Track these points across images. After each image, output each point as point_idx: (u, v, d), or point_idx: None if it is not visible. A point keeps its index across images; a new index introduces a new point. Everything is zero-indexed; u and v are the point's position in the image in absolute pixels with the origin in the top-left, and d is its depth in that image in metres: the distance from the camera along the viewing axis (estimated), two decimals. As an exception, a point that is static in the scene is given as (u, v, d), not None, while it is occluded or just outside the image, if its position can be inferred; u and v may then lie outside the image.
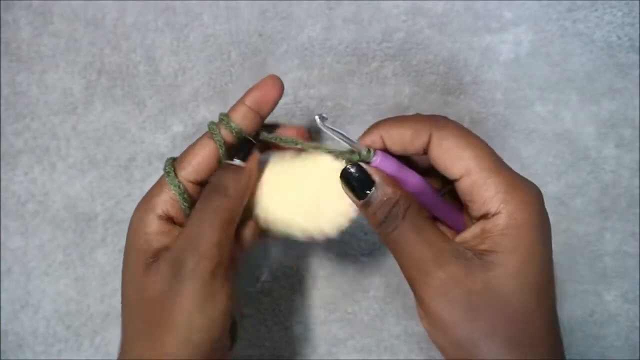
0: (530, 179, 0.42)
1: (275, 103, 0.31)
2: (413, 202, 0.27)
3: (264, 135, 0.31)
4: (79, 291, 0.43)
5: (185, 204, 0.29)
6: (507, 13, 0.43)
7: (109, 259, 0.43)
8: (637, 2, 0.43)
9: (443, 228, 0.31)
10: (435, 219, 0.30)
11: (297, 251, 0.43)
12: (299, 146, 0.30)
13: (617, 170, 0.43)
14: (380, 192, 0.27)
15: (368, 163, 0.28)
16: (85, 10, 0.43)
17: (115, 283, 0.42)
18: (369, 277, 0.43)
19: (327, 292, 0.43)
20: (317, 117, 0.27)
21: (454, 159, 0.27)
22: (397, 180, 0.28)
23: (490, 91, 0.43)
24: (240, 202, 0.29)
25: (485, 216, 0.26)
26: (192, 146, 0.31)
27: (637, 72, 0.43)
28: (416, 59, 0.43)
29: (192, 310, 0.26)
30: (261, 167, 0.31)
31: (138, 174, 0.43)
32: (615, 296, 0.43)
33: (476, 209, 0.27)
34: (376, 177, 0.27)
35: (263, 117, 0.31)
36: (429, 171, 0.30)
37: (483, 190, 0.26)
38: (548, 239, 0.27)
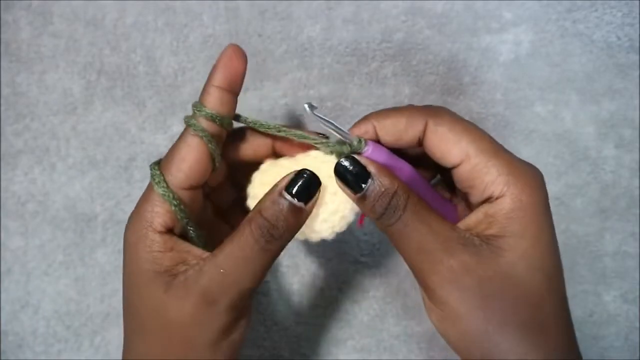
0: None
1: (244, 74, 0.28)
2: (411, 191, 0.26)
3: (243, 119, 0.29)
4: (79, 291, 0.43)
5: (182, 215, 0.27)
6: (506, 13, 0.43)
7: (108, 259, 0.43)
8: (637, 2, 0.43)
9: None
10: None
11: (297, 251, 0.43)
12: (281, 133, 0.28)
13: (617, 170, 0.43)
14: (377, 183, 0.26)
15: (359, 154, 0.27)
16: (85, 11, 0.43)
17: (115, 283, 0.42)
18: (369, 277, 0.43)
19: (326, 292, 0.43)
20: (306, 105, 0.26)
21: (452, 144, 0.26)
22: (391, 170, 0.27)
23: (490, 91, 0.43)
24: (287, 244, 0.27)
25: (488, 200, 0.26)
26: (176, 148, 0.27)
27: (637, 72, 0.43)
28: (416, 59, 0.43)
29: (218, 339, 0.26)
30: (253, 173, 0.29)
31: (138, 175, 0.43)
32: (614, 296, 0.43)
33: (477, 194, 0.26)
34: (372, 168, 0.26)
35: (236, 94, 0.28)
36: (418, 163, 0.29)
37: (484, 173, 0.25)
38: (552, 223, 0.26)
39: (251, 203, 0.29)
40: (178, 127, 0.43)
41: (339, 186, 0.27)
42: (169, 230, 0.27)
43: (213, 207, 0.32)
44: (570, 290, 0.43)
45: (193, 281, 0.26)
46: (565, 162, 0.43)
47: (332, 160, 0.27)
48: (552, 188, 0.42)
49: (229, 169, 0.31)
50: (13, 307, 0.42)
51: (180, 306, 0.26)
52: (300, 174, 0.26)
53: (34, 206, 0.42)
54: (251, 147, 0.30)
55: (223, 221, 0.33)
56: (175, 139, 0.42)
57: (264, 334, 0.42)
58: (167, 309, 0.26)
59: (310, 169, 0.27)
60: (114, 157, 0.43)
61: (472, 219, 0.26)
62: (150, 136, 0.43)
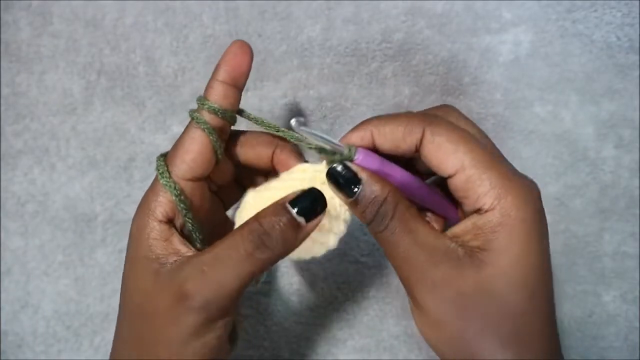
0: (529, 179, 0.43)
1: (249, 70, 0.29)
2: (401, 199, 0.27)
3: (246, 114, 0.29)
4: (79, 291, 0.43)
5: (182, 205, 0.28)
6: (506, 13, 0.43)
7: (108, 259, 0.43)
8: (637, 2, 0.43)
9: (434, 217, 0.30)
10: (425, 209, 0.30)
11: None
12: (279, 133, 0.28)
13: (616, 171, 0.43)
14: (368, 190, 0.26)
15: (351, 162, 0.27)
16: (85, 11, 0.43)
17: (115, 283, 0.42)
18: (369, 277, 0.43)
19: (326, 292, 0.43)
20: (293, 120, 0.26)
21: (448, 154, 0.26)
22: (382, 177, 0.27)
23: (490, 92, 0.43)
24: (279, 258, 0.27)
25: (478, 211, 0.26)
26: (181, 140, 0.29)
27: (637, 72, 0.43)
28: (416, 60, 0.43)
29: (188, 337, 0.26)
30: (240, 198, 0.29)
31: (138, 175, 0.43)
32: (614, 297, 0.43)
33: (470, 205, 0.26)
34: (362, 175, 0.26)
35: (240, 89, 0.29)
36: (412, 167, 0.29)
37: (477, 185, 0.25)
38: (543, 238, 0.26)
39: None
40: (178, 128, 0.43)
41: (332, 190, 0.27)
42: (170, 221, 0.28)
43: (225, 207, 0.33)
44: (569, 291, 0.43)
45: (173, 274, 0.26)
46: (564, 162, 0.43)
47: (322, 171, 0.27)
48: (551, 189, 0.43)
49: (235, 169, 0.31)
50: (13, 307, 0.42)
51: (160, 296, 0.26)
52: (308, 191, 0.27)
53: (33, 206, 0.42)
54: (254, 151, 0.30)
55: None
56: (175, 139, 0.42)
57: (263, 334, 0.42)
58: (151, 297, 0.27)
59: (300, 183, 0.27)
60: (113, 157, 0.43)
61: (460, 228, 0.27)
62: (150, 136, 0.43)
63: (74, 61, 0.42)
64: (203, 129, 0.27)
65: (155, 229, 0.27)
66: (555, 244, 0.43)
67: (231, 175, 0.32)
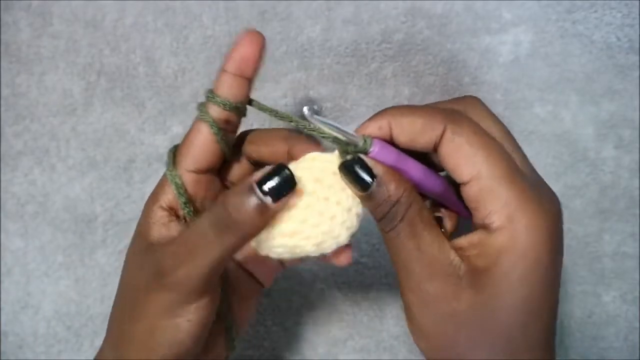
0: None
1: (259, 60, 0.28)
2: (415, 200, 0.25)
3: (257, 104, 0.29)
4: (79, 292, 0.43)
5: (182, 199, 0.28)
6: (506, 14, 0.43)
7: (109, 260, 0.43)
8: (637, 2, 0.43)
9: (448, 212, 0.29)
10: (441, 205, 0.29)
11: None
12: (292, 123, 0.27)
13: (616, 171, 0.43)
14: (383, 188, 0.24)
15: (365, 154, 0.25)
16: (85, 11, 0.43)
17: (116, 284, 0.42)
18: (369, 278, 0.43)
19: (326, 292, 0.43)
20: (305, 108, 0.24)
21: (465, 159, 0.24)
22: (398, 172, 0.25)
23: (490, 92, 0.43)
24: (246, 240, 0.26)
25: (487, 227, 0.24)
26: (188, 133, 0.29)
27: (637, 73, 0.43)
28: (415, 60, 0.43)
29: (162, 315, 0.26)
30: None
31: (137, 176, 0.43)
32: (614, 297, 0.43)
33: (479, 218, 0.24)
34: (378, 170, 0.25)
35: (251, 80, 0.29)
36: (428, 161, 0.28)
37: (490, 200, 0.24)
38: (553, 263, 0.25)
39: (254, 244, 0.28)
40: (178, 128, 0.43)
41: (346, 183, 0.26)
42: (172, 209, 0.29)
43: None
44: (569, 291, 0.43)
45: (156, 252, 0.27)
46: (564, 162, 0.43)
47: (332, 161, 0.26)
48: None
49: (251, 166, 0.31)
50: (13, 308, 0.42)
51: (142, 273, 0.27)
52: (278, 170, 0.25)
53: (33, 207, 0.42)
54: (268, 148, 0.30)
55: None
56: (175, 140, 0.42)
57: (264, 334, 0.42)
58: (135, 273, 0.28)
59: (309, 173, 0.26)
60: (113, 158, 0.43)
61: (467, 240, 0.25)
62: (149, 137, 0.43)
63: (73, 62, 0.42)
64: (206, 122, 0.28)
65: (157, 214, 0.28)
66: (555, 244, 0.43)
67: (246, 172, 0.31)
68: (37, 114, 0.42)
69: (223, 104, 0.28)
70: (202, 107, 0.28)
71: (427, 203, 0.29)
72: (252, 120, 0.39)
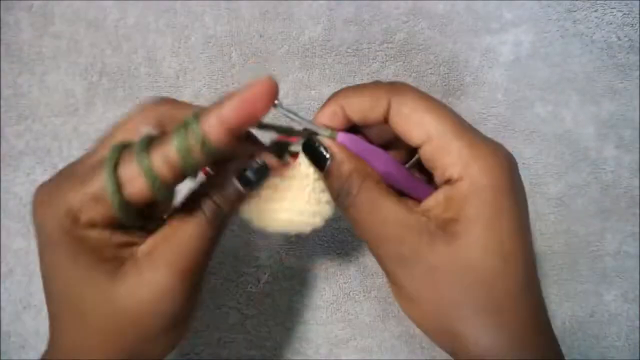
0: (530, 179, 0.43)
1: (258, 118, 0.24)
2: (370, 175, 0.27)
3: (264, 125, 0.28)
4: (81, 292, 0.43)
5: (157, 188, 0.24)
6: (507, 14, 0.43)
7: (110, 260, 0.43)
8: (637, 2, 0.43)
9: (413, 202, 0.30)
10: (407, 195, 0.30)
11: (298, 252, 0.43)
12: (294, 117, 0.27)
13: (617, 170, 0.43)
14: (335, 164, 0.26)
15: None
16: (86, 12, 0.43)
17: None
18: (370, 277, 0.43)
19: (328, 292, 0.43)
20: (277, 102, 0.25)
21: (414, 125, 0.26)
22: (365, 159, 0.27)
23: (491, 92, 0.43)
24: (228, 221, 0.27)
25: (448, 182, 0.26)
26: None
27: (637, 72, 0.43)
28: (417, 60, 0.43)
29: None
30: None
31: (139, 175, 0.43)
32: (615, 296, 0.43)
33: (439, 176, 0.26)
34: (334, 150, 0.27)
35: (242, 130, 0.25)
36: (395, 144, 0.29)
37: (444, 155, 0.25)
38: (517, 201, 0.25)
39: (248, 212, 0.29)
40: (179, 128, 0.43)
41: (310, 161, 0.28)
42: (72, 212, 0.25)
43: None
44: (571, 290, 0.43)
45: (145, 267, 0.25)
46: (565, 162, 0.43)
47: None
48: (552, 188, 0.43)
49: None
50: (15, 307, 0.42)
51: (133, 294, 0.25)
52: (255, 165, 0.27)
53: (35, 207, 0.42)
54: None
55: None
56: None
57: (265, 334, 0.42)
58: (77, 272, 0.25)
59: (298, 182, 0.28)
60: (115, 158, 0.43)
61: (431, 201, 0.26)
62: (151, 137, 0.43)
63: (75, 62, 0.43)
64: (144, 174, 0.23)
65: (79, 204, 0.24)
66: (556, 243, 0.43)
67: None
68: (39, 114, 0.42)
69: (200, 144, 0.23)
70: (141, 152, 0.23)
71: None
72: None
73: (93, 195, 0.23)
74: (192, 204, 0.26)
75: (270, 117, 0.25)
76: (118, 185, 0.23)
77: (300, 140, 0.28)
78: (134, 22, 0.42)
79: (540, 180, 0.43)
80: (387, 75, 0.43)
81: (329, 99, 0.28)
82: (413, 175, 0.29)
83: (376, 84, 0.27)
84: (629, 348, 0.43)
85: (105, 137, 0.26)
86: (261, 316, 0.43)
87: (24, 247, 0.42)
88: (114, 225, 0.25)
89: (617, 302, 0.43)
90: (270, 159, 0.27)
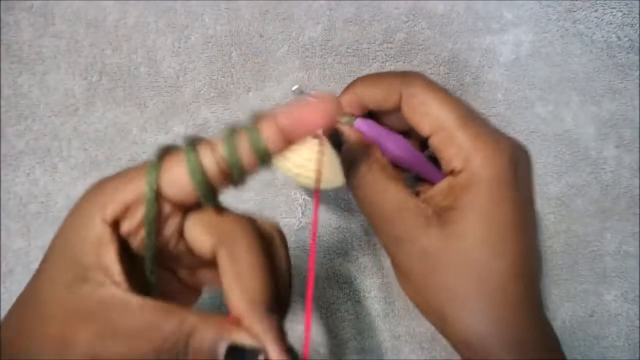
0: (530, 179, 0.43)
1: (311, 132, 0.22)
2: (377, 161, 0.28)
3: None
4: (81, 292, 0.43)
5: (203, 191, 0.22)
6: (507, 14, 0.43)
7: (110, 260, 0.43)
8: (637, 2, 0.43)
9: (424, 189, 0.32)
10: (424, 180, 0.31)
11: (299, 251, 0.43)
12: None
13: (617, 170, 0.43)
14: (347, 147, 0.28)
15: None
16: (87, 12, 0.43)
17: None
18: (371, 277, 0.43)
19: (328, 292, 0.43)
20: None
21: (422, 116, 0.27)
22: (375, 143, 0.29)
23: (491, 92, 0.43)
24: None
25: (452, 173, 0.27)
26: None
27: (637, 72, 0.43)
28: (417, 60, 0.43)
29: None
30: None
31: (139, 175, 0.43)
32: (615, 296, 0.43)
33: (445, 166, 0.27)
34: (347, 135, 0.29)
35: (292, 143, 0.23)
36: (414, 132, 0.30)
37: (449, 147, 0.26)
38: (518, 196, 0.26)
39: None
40: (179, 128, 0.43)
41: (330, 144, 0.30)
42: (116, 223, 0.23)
43: None
44: (571, 290, 0.43)
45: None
46: (565, 162, 0.43)
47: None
48: (552, 188, 0.43)
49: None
50: (15, 308, 0.42)
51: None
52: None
53: (35, 207, 0.42)
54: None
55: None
56: (176, 139, 0.41)
57: (265, 334, 0.43)
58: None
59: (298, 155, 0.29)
60: (115, 158, 0.43)
61: (436, 189, 0.28)
62: (151, 137, 0.43)
63: (75, 62, 0.43)
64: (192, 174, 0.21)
65: (98, 229, 0.22)
66: (556, 243, 0.43)
67: None
68: (39, 114, 0.42)
69: (257, 151, 0.21)
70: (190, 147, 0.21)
71: None
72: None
73: (134, 200, 0.21)
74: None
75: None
76: (158, 190, 0.21)
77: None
78: (134, 22, 0.43)
79: (540, 180, 0.43)
80: (387, 75, 0.43)
81: (347, 88, 0.30)
82: (429, 161, 0.30)
83: (390, 74, 0.29)
84: (629, 348, 0.43)
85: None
86: (261, 316, 0.43)
87: (24, 246, 0.42)
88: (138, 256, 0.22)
89: (617, 302, 0.43)
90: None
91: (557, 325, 0.40)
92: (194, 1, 0.42)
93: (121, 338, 0.19)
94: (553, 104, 0.43)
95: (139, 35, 0.43)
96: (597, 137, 0.43)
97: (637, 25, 0.43)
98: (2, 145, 0.42)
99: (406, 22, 0.43)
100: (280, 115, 0.21)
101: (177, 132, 0.43)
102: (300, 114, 0.21)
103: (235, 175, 0.22)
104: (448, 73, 0.43)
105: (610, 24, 0.43)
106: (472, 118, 0.27)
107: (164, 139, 0.43)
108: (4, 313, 0.43)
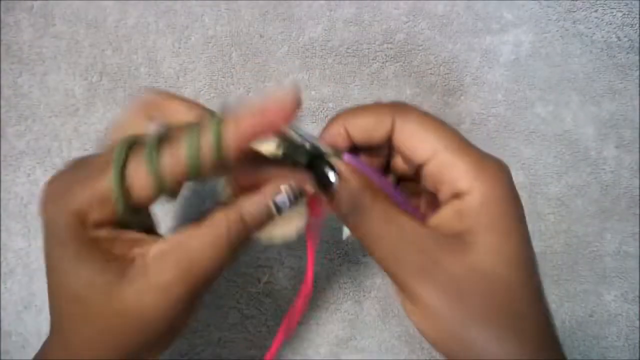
0: (530, 179, 0.43)
1: (277, 131, 0.24)
2: (380, 191, 0.27)
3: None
4: (81, 292, 0.43)
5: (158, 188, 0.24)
6: (507, 14, 0.43)
7: (111, 260, 0.43)
8: (637, 2, 0.43)
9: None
10: None
11: (300, 252, 0.43)
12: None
13: (617, 170, 0.43)
14: (344, 182, 0.27)
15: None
16: (87, 12, 0.43)
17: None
18: (371, 277, 0.43)
19: (328, 292, 0.43)
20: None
21: (419, 141, 0.26)
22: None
23: (491, 92, 0.43)
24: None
25: (457, 196, 0.26)
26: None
27: (637, 72, 0.43)
28: (417, 60, 0.43)
29: (170, 329, 0.26)
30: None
31: (140, 176, 0.43)
32: (615, 296, 0.43)
33: (446, 190, 0.26)
34: (341, 167, 0.27)
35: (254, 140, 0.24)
36: (385, 170, 0.30)
37: (452, 169, 0.26)
38: (521, 215, 0.26)
39: None
40: (180, 128, 0.43)
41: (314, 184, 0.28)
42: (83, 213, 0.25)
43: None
44: (571, 290, 0.43)
45: (155, 271, 0.25)
46: (565, 162, 0.43)
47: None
48: (552, 189, 0.43)
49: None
50: (16, 307, 0.42)
51: (140, 296, 0.25)
52: (292, 190, 0.26)
53: (36, 207, 0.43)
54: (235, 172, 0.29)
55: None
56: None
57: (265, 334, 0.43)
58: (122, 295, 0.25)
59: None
60: (115, 158, 0.43)
61: (442, 216, 0.27)
62: (152, 137, 0.43)
63: (75, 62, 0.43)
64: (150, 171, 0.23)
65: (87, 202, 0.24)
66: (556, 243, 0.43)
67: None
68: (39, 115, 0.43)
69: (216, 147, 0.23)
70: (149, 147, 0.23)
71: None
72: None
73: (100, 197, 0.23)
74: (214, 215, 0.26)
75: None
76: (124, 189, 0.23)
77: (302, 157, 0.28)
78: (134, 23, 0.43)
79: (540, 180, 0.43)
80: (387, 75, 0.43)
81: (332, 120, 0.28)
82: (407, 199, 0.30)
83: (378, 104, 0.28)
84: (629, 348, 0.43)
85: (114, 133, 0.26)
86: (261, 316, 0.43)
87: (24, 247, 0.42)
88: (123, 224, 0.25)
89: (617, 302, 0.43)
90: (308, 188, 0.27)
91: (557, 325, 0.40)
92: (194, 2, 0.43)
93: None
94: (553, 104, 0.43)
95: (139, 36, 0.43)
96: (597, 138, 0.43)
97: (637, 25, 0.43)
98: (3, 145, 0.42)
99: (406, 22, 0.43)
100: (241, 116, 0.23)
101: (177, 133, 0.43)
102: (259, 115, 0.23)
103: (192, 176, 0.23)
104: (448, 73, 0.43)
105: (610, 24, 0.43)
106: (468, 142, 0.27)
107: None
108: (4, 313, 0.44)
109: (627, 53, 0.43)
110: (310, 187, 0.27)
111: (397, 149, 0.28)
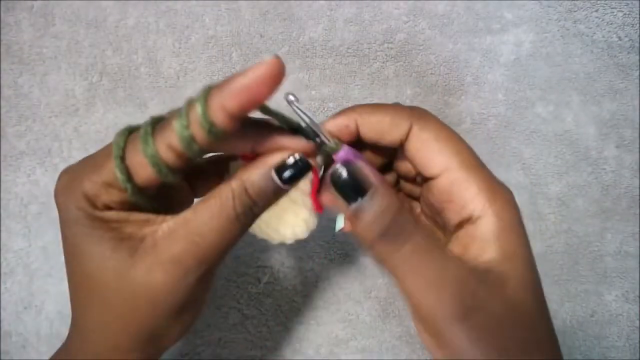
0: (531, 179, 0.43)
1: (263, 102, 0.23)
2: (409, 212, 0.25)
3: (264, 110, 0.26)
4: (82, 292, 0.43)
5: (162, 171, 0.24)
6: (507, 14, 0.43)
7: (111, 260, 0.43)
8: (637, 2, 0.43)
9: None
10: None
11: (300, 252, 0.43)
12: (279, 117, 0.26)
13: (617, 170, 0.43)
14: (379, 198, 0.23)
15: (330, 155, 0.26)
16: (87, 12, 0.43)
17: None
18: (371, 278, 0.43)
19: (329, 293, 0.43)
20: (290, 95, 0.24)
21: (434, 153, 0.25)
22: None
23: (492, 92, 0.43)
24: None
25: (468, 220, 0.24)
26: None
27: (638, 72, 0.43)
28: (417, 60, 0.43)
29: (183, 307, 0.26)
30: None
31: (140, 176, 0.43)
32: (616, 296, 0.43)
33: (455, 210, 0.24)
34: (374, 179, 0.23)
35: (246, 113, 0.23)
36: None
37: (464, 189, 0.24)
38: (528, 240, 0.25)
39: None
40: (180, 128, 0.43)
41: (335, 196, 0.24)
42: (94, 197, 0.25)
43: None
44: (571, 290, 0.43)
45: (164, 247, 0.24)
46: (566, 162, 0.43)
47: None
48: (553, 188, 0.43)
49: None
50: (16, 307, 0.42)
51: (150, 272, 0.24)
52: (295, 160, 0.25)
53: (36, 207, 0.42)
54: (233, 145, 0.27)
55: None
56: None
57: (266, 334, 0.43)
58: (102, 260, 0.24)
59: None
60: (116, 158, 0.43)
61: (459, 245, 0.24)
62: (152, 137, 0.43)
63: (76, 62, 0.43)
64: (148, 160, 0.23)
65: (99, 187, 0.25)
66: (557, 243, 0.43)
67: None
68: (40, 115, 0.43)
69: (205, 127, 0.22)
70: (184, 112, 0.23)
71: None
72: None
73: (106, 183, 0.24)
74: (221, 191, 0.25)
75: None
76: (128, 174, 0.23)
77: (319, 157, 0.26)
78: (134, 23, 0.43)
79: (540, 180, 0.43)
80: (387, 75, 0.43)
81: (344, 111, 0.27)
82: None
83: (398, 106, 0.26)
84: (629, 348, 0.43)
85: None
86: (261, 316, 0.43)
87: (24, 247, 0.42)
88: (131, 206, 0.25)
89: (618, 302, 0.43)
90: (312, 159, 0.26)
91: (557, 325, 0.40)
92: (194, 2, 0.42)
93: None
94: (554, 104, 0.43)
95: (140, 36, 0.43)
96: (597, 137, 0.43)
97: (638, 25, 0.43)
98: (3, 146, 0.42)
99: (406, 22, 0.43)
100: (225, 89, 0.22)
101: (177, 133, 0.43)
102: (241, 84, 0.22)
103: (193, 154, 0.23)
104: (448, 73, 0.43)
105: (611, 24, 0.43)
106: (481, 161, 0.25)
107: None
108: (4, 313, 0.44)
109: (628, 53, 0.43)
110: (314, 161, 0.25)
111: (408, 156, 0.26)
